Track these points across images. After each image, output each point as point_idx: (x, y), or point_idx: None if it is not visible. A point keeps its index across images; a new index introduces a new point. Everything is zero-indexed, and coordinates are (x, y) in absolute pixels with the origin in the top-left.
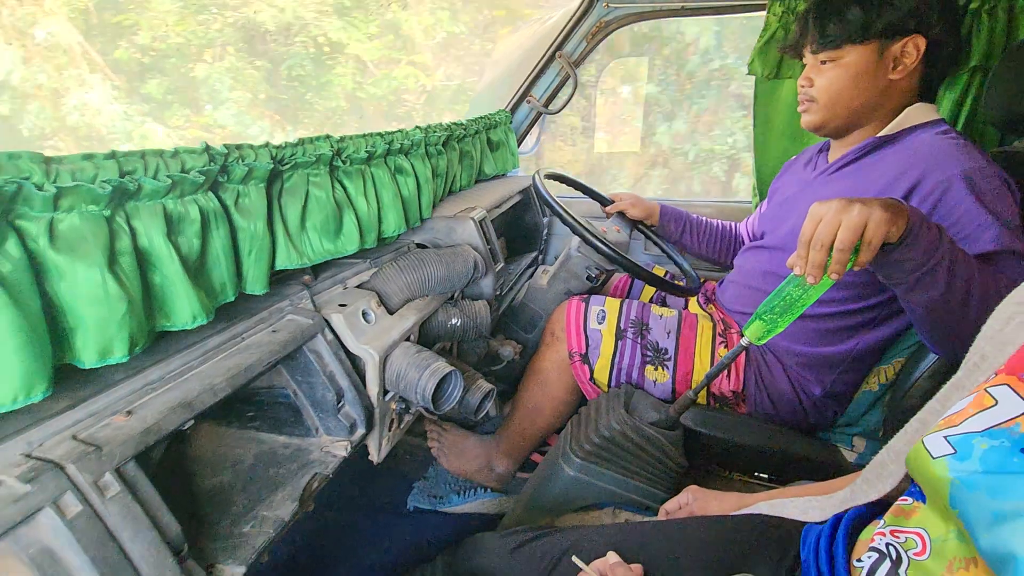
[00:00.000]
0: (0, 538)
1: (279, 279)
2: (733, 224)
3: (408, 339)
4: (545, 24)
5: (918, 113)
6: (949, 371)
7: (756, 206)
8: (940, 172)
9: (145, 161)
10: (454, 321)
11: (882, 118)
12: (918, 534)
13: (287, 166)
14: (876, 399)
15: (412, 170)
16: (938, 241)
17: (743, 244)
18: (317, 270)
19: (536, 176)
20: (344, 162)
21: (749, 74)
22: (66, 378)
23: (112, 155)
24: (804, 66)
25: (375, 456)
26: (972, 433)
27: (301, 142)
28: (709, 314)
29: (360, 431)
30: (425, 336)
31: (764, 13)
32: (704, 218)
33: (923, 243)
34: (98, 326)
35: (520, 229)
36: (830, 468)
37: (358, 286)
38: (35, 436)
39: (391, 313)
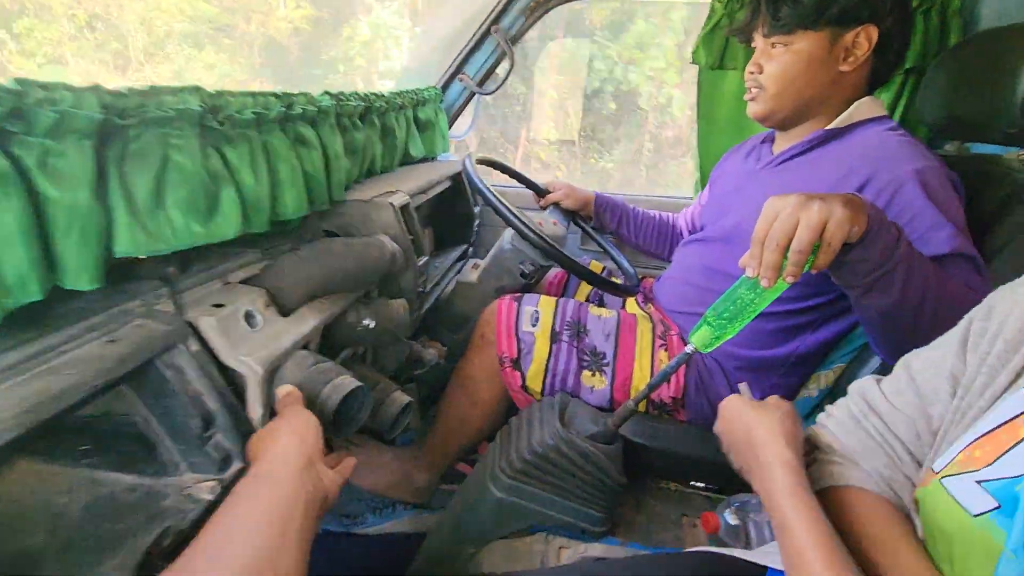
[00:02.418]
0: None
1: (128, 273)
2: (672, 216)
3: (306, 346)
4: None
5: (867, 108)
6: None
7: (700, 180)
8: (892, 170)
9: None
10: (367, 323)
11: (829, 112)
12: None
13: (132, 121)
14: (815, 406)
15: (319, 142)
16: (896, 242)
17: (683, 236)
18: (188, 261)
19: (467, 161)
20: (222, 123)
21: (693, 62)
22: None
23: None
24: (748, 57)
25: None
26: (1013, 478)
27: (156, 91)
28: (648, 315)
29: (236, 465)
30: (331, 342)
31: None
32: (642, 209)
33: (882, 244)
34: None
35: (449, 219)
36: None
37: (244, 281)
38: None
39: (285, 315)
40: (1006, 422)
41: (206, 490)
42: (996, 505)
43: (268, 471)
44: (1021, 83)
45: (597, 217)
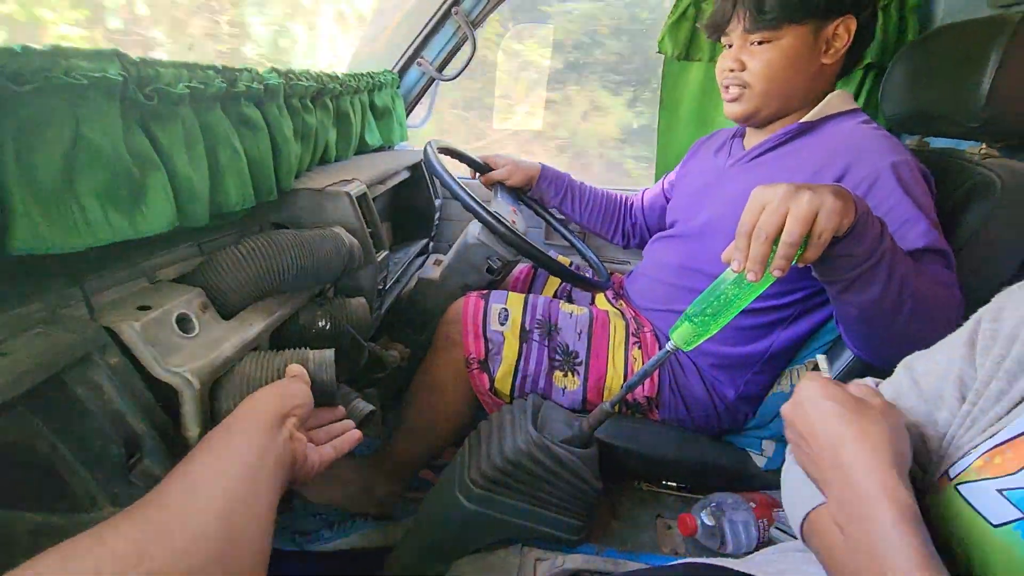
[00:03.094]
0: None
1: (27, 269)
2: (623, 196)
3: (255, 351)
4: None
5: (838, 101)
6: (865, 372)
7: (659, 171)
8: (868, 163)
9: None
10: (322, 324)
11: (804, 105)
12: None
13: (28, 87)
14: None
15: (265, 124)
16: (880, 236)
17: (634, 218)
18: (106, 256)
19: (429, 148)
20: (150, 97)
21: (659, 52)
22: None
23: None
24: (715, 50)
25: None
26: None
27: (63, 53)
28: (620, 311)
29: None
30: (281, 345)
31: None
32: (589, 185)
33: (868, 237)
34: None
35: (408, 211)
36: (742, 475)
37: (177, 280)
38: None
39: (226, 318)
40: None
41: None
42: (1020, 516)
43: (238, 421)
44: (982, 79)
45: (539, 191)
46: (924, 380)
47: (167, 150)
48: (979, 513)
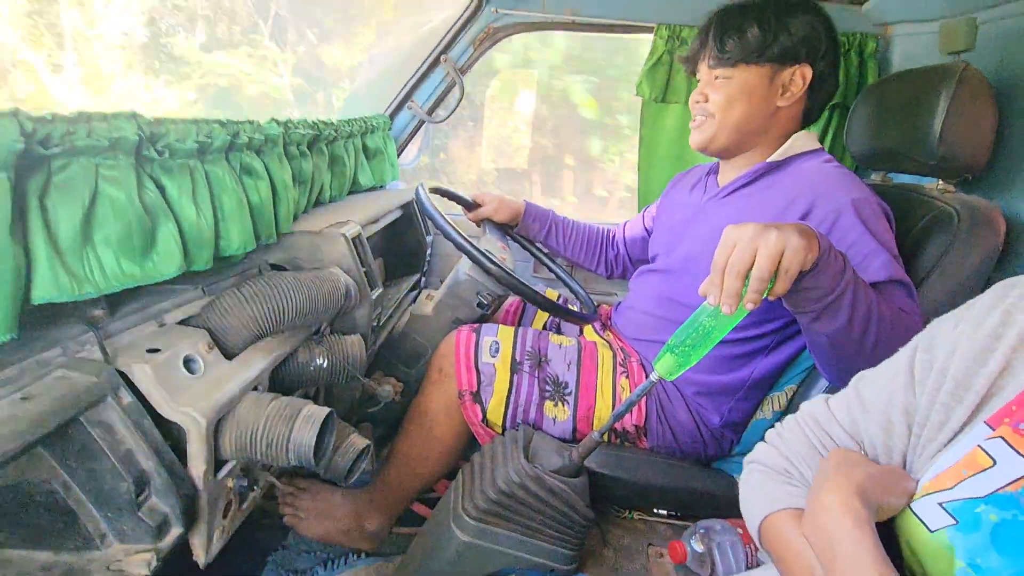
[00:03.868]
0: None
1: (47, 315)
2: (604, 228)
3: (256, 389)
4: (426, 27)
5: (803, 141)
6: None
7: (641, 207)
8: (831, 200)
9: None
10: (319, 362)
11: (768, 144)
12: None
13: (57, 150)
14: (769, 427)
15: (266, 172)
16: (843, 269)
17: (616, 249)
18: (118, 301)
19: (420, 189)
20: (161, 152)
21: (637, 95)
22: None
23: None
24: (690, 92)
25: (201, 556)
26: (973, 499)
27: (86, 117)
28: (607, 342)
29: (175, 530)
30: (280, 383)
31: (652, 36)
32: (571, 220)
33: (832, 271)
34: None
35: (400, 248)
36: (730, 501)
37: (182, 322)
38: None
39: (229, 358)
40: (966, 455)
41: (140, 563)
42: (954, 521)
43: None
44: (934, 121)
45: (524, 227)
46: (873, 406)
47: (176, 200)
48: (921, 521)
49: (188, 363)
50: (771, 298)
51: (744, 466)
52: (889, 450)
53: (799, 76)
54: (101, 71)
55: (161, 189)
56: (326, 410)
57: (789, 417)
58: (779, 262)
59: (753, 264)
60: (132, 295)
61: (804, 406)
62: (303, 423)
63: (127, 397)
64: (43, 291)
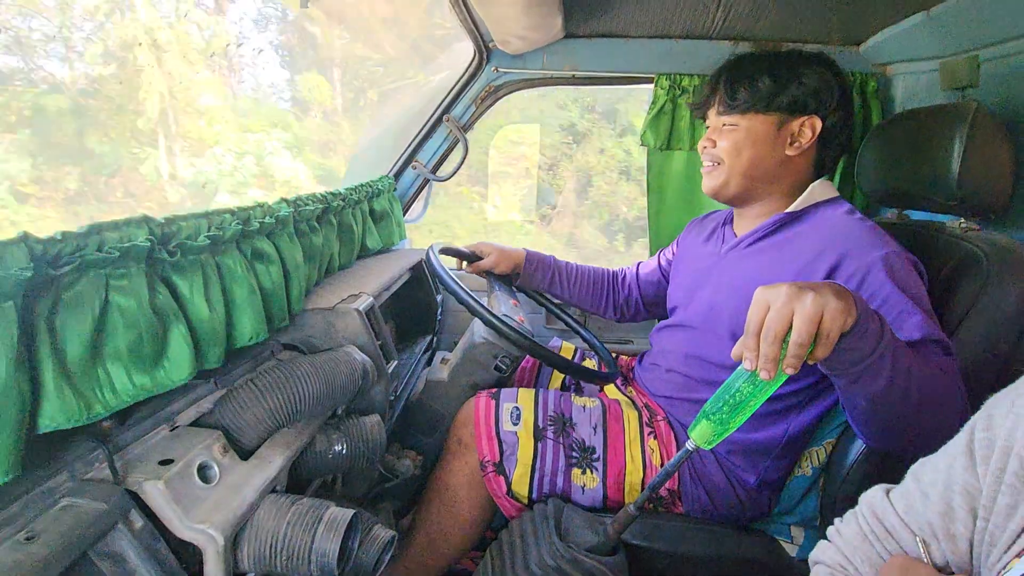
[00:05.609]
0: None
1: (54, 437)
2: (610, 270)
3: (274, 490)
4: (425, 87)
5: (821, 190)
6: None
7: (653, 253)
8: (860, 255)
9: None
10: (338, 448)
11: (782, 193)
12: None
13: (66, 268)
14: (811, 484)
15: (277, 255)
16: (881, 330)
17: (627, 291)
18: (128, 412)
19: (431, 252)
20: (173, 253)
21: (642, 145)
22: None
23: None
24: (694, 139)
25: None
26: None
27: (96, 229)
28: (631, 399)
29: None
30: (298, 474)
31: (652, 86)
32: (575, 264)
33: (871, 333)
34: None
35: (411, 310)
36: (775, 568)
37: (194, 422)
38: None
39: (245, 457)
40: None
41: None
42: None
43: None
44: (951, 160)
45: (528, 276)
46: (932, 491)
47: (188, 299)
48: None
49: (203, 470)
50: (811, 362)
51: (811, 567)
52: (952, 538)
53: (808, 127)
54: None
55: (172, 289)
56: (350, 513)
57: (850, 512)
58: (818, 325)
59: (790, 327)
60: (144, 400)
61: (863, 497)
62: (326, 530)
63: (139, 521)
64: (50, 419)
